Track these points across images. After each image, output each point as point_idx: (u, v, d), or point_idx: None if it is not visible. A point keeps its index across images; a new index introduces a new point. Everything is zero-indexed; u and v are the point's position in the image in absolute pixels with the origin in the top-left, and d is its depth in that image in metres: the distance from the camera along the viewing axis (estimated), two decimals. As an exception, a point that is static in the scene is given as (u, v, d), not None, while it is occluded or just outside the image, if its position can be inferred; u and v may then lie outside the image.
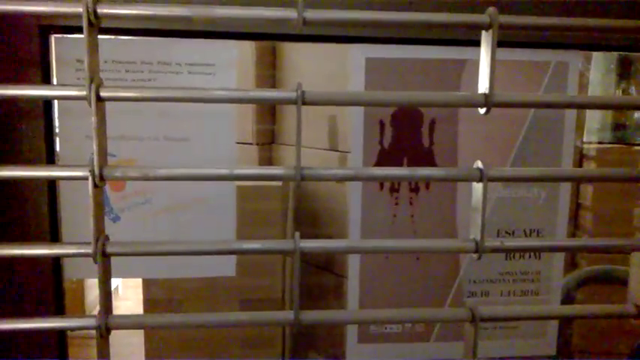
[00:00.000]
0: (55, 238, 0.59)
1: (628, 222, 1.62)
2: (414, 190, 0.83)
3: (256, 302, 1.60)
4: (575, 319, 0.43)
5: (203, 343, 1.58)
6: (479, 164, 0.44)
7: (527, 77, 0.81)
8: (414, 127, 0.83)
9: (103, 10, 0.40)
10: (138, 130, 0.78)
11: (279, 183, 1.69)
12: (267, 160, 2.19)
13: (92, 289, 2.93)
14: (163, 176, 0.42)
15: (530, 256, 0.86)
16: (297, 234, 0.43)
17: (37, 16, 0.66)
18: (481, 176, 0.44)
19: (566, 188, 0.85)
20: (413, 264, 0.84)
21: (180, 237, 0.80)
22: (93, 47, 0.41)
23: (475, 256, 0.45)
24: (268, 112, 2.17)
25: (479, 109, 0.44)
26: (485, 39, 0.43)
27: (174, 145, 0.79)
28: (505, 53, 0.80)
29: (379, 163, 0.82)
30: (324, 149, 1.94)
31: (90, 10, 0.39)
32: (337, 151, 1.92)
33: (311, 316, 0.43)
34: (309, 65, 1.90)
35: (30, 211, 0.59)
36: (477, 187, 0.45)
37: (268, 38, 0.67)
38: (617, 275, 0.99)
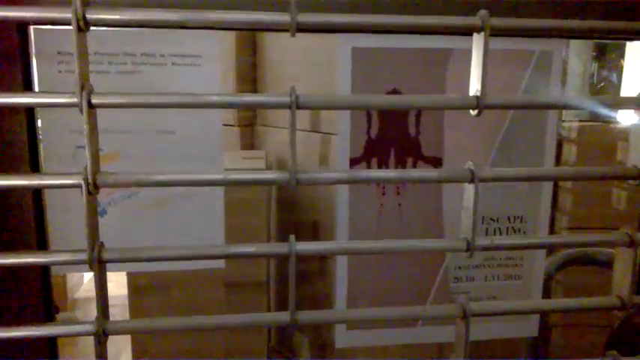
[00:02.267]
0: (42, 240, 0.58)
1: (607, 203, 1.66)
2: (401, 179, 0.84)
3: (241, 286, 1.61)
4: (561, 312, 0.45)
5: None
6: (470, 165, 0.45)
7: (511, 66, 0.82)
8: (400, 116, 0.83)
9: (92, 15, 0.39)
10: (122, 123, 0.77)
11: (263, 166, 1.69)
12: (249, 142, 2.19)
13: (74, 275, 2.91)
14: (157, 181, 0.42)
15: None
16: (292, 237, 0.44)
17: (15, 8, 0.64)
18: (472, 177, 0.45)
19: (549, 175, 0.87)
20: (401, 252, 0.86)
21: (167, 230, 0.80)
22: (83, 53, 0.40)
23: (467, 254, 0.46)
24: (250, 94, 2.15)
25: (470, 111, 0.44)
26: (477, 41, 0.43)
27: (160, 137, 0.79)
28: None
29: (366, 154, 0.83)
30: (306, 131, 1.93)
31: (79, 15, 0.39)
32: (319, 132, 1.91)
33: (306, 316, 0.44)
34: (291, 50, 1.88)
35: (15, 213, 0.58)
36: (469, 187, 0.45)
37: (255, 29, 0.67)
38: (596, 257, 1.02)
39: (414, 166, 0.83)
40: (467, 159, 0.85)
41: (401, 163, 0.83)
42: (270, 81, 2.03)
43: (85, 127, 0.40)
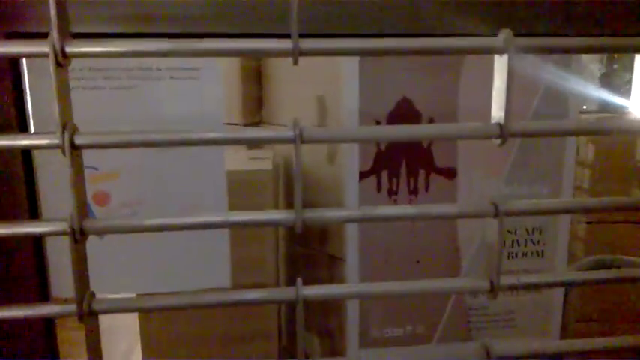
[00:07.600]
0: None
1: (630, 157, 1.59)
2: (413, 192, 0.80)
3: (248, 286, 1.57)
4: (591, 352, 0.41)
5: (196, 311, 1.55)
6: (494, 200, 0.41)
7: (527, 77, 0.77)
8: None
9: (72, 49, 0.35)
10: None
11: (270, 167, 1.65)
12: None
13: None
14: (151, 226, 0.38)
15: (532, 254, 0.84)
16: (299, 280, 0.40)
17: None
18: (496, 212, 0.41)
19: (568, 183, 0.82)
20: (413, 267, 0.82)
21: (170, 250, 0.77)
22: (64, 89, 0.36)
23: (490, 295, 0.42)
24: (255, 92, 2.11)
25: (494, 140, 0.40)
26: (499, 65, 0.39)
27: (160, 154, 0.75)
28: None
29: (376, 166, 0.79)
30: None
31: (57, 49, 0.35)
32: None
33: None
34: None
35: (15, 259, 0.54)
36: (492, 222, 0.42)
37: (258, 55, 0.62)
38: (617, 264, 0.98)
39: (427, 178, 0.79)
40: (482, 169, 0.81)
41: (413, 176, 0.79)
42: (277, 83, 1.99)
43: (69, 170, 0.36)
